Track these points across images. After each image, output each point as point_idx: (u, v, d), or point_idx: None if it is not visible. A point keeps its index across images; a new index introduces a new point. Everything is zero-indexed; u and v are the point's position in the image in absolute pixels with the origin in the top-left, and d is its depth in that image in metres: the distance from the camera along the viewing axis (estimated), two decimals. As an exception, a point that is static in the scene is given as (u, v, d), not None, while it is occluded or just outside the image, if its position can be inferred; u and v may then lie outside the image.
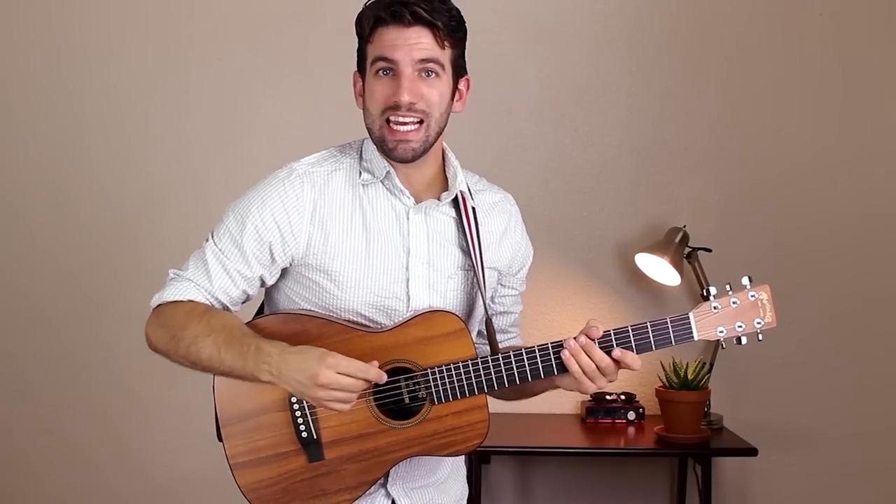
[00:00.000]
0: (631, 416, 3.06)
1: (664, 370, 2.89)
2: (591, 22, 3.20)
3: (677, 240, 3.04)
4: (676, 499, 3.20)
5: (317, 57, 3.16)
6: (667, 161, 3.22)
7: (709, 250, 3.05)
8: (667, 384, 2.88)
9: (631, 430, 3.03)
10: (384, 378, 1.52)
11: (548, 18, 3.21)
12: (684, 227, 3.08)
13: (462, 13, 1.64)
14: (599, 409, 3.07)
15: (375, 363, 1.51)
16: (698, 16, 3.21)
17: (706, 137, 3.22)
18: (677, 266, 2.99)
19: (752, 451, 2.83)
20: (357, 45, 1.66)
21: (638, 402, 3.10)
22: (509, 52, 3.21)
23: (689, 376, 2.85)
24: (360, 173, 1.66)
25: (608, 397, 3.09)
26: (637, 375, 3.18)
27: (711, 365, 3.06)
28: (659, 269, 3.05)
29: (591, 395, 3.10)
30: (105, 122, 3.23)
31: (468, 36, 1.66)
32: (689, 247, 3.06)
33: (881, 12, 3.18)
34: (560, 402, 3.17)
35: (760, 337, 1.61)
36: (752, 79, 3.21)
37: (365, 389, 1.52)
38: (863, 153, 3.21)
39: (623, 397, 3.10)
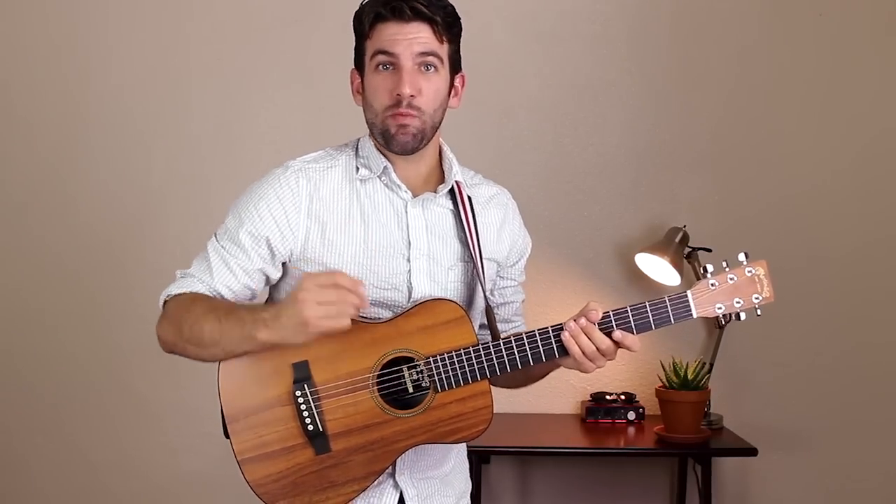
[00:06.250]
0: (631, 416, 3.05)
1: (664, 370, 2.89)
2: (591, 22, 3.21)
3: (677, 240, 3.04)
4: (676, 499, 3.20)
5: (317, 57, 3.16)
6: (667, 161, 3.22)
7: (709, 250, 3.04)
8: (667, 384, 2.88)
9: (631, 430, 3.03)
10: (359, 287, 1.47)
11: (548, 18, 3.22)
12: (684, 227, 3.08)
13: (462, 12, 1.67)
14: (599, 409, 3.06)
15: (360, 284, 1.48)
16: (698, 16, 3.22)
17: (706, 137, 3.22)
18: (677, 266, 3.00)
19: (752, 451, 2.83)
20: (355, 43, 1.68)
21: (638, 402, 3.10)
22: (509, 52, 3.22)
23: (689, 376, 2.85)
24: (358, 169, 1.68)
25: (608, 397, 3.09)
26: (637, 375, 3.19)
27: (711, 365, 3.06)
28: (659, 269, 3.05)
29: (591, 396, 3.10)
30: (106, 122, 3.23)
31: (468, 34, 1.69)
32: (689, 247, 3.07)
33: (881, 12, 3.19)
34: (560, 402, 3.16)
35: (759, 312, 1.63)
36: (751, 79, 3.21)
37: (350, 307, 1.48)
38: (863, 153, 3.22)
39: (623, 397, 3.09)
